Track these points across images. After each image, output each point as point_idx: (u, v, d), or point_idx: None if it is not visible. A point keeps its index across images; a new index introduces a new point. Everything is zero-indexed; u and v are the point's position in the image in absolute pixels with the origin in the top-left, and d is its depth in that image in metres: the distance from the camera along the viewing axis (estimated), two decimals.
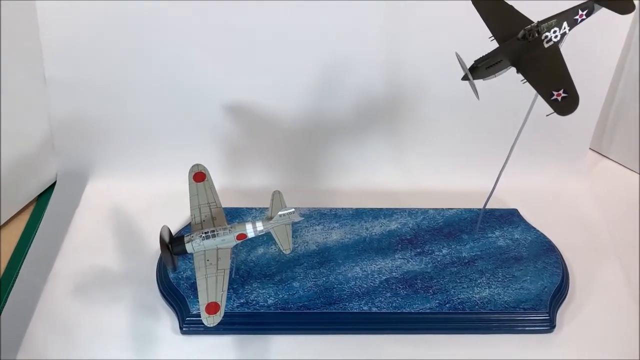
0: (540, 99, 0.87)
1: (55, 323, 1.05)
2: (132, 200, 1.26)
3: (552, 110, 0.83)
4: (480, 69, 0.86)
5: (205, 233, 0.98)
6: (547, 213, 1.26)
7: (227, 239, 0.98)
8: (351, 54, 1.20)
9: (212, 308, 0.92)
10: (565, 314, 1.08)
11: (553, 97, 0.82)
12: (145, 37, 1.17)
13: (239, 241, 0.99)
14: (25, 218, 1.24)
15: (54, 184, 1.30)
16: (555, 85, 0.83)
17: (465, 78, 0.87)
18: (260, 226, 0.99)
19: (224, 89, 1.24)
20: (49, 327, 1.04)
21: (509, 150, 1.03)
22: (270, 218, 1.00)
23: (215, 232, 0.98)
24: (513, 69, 0.89)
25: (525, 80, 0.86)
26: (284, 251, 0.98)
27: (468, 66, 0.87)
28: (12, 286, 1.11)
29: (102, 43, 1.18)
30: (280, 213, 0.98)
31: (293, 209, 0.99)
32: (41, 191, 1.29)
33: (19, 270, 1.14)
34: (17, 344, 1.02)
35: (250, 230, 0.99)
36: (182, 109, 1.26)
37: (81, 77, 1.21)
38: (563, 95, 0.82)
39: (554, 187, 1.33)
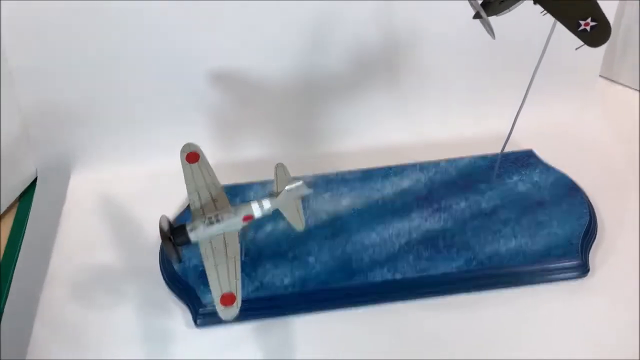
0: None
1: (60, 329, 0.98)
2: (122, 188, 1.18)
3: (581, 43, 0.75)
4: (494, 4, 0.77)
5: (209, 219, 0.90)
6: (563, 149, 1.19)
7: (232, 223, 0.90)
8: (340, 3, 1.10)
9: (227, 299, 0.85)
10: (597, 256, 1.03)
11: (581, 28, 0.74)
12: (116, 8, 1.05)
13: (245, 223, 0.91)
14: (9, 222, 1.15)
15: (35, 181, 1.21)
16: (582, 14, 0.74)
17: (477, 16, 0.78)
18: (267, 204, 0.91)
19: (207, 55, 1.13)
20: (53, 334, 0.97)
21: (527, 88, 0.95)
22: (277, 194, 0.91)
23: (219, 217, 0.90)
24: (528, 2, 0.80)
25: (545, 12, 0.77)
26: (296, 229, 0.90)
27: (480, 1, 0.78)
28: (7, 295, 1.03)
29: (69, 19, 1.06)
30: (287, 188, 0.90)
31: (301, 182, 0.91)
32: (22, 190, 1.19)
33: (12, 277, 1.05)
34: (22, 354, 0.94)
35: (257, 210, 0.91)
36: (164, 82, 1.15)
37: (49, 60, 1.10)
38: (592, 24, 0.73)
39: (566, 121, 1.25)
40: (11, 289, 1.04)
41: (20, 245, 1.10)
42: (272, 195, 0.93)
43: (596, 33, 0.74)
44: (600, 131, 1.23)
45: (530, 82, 0.93)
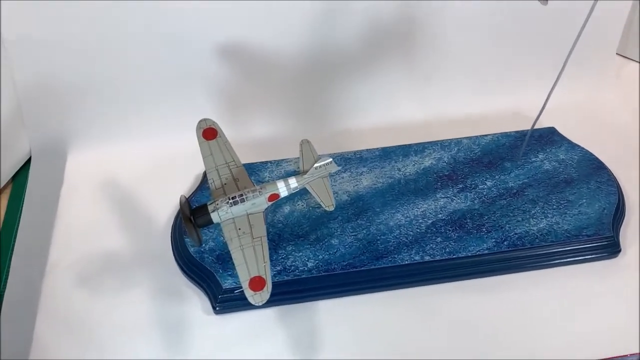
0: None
1: (65, 321, 0.91)
2: (123, 169, 1.11)
3: None
4: None
5: (232, 198, 0.84)
6: (582, 127, 1.16)
7: (257, 202, 0.84)
8: None
9: (256, 283, 0.79)
10: (627, 234, 1.00)
11: None
12: None
13: (270, 203, 0.86)
14: (2, 206, 1.06)
15: (28, 162, 1.12)
16: None
17: None
18: (294, 183, 0.86)
19: (213, 29, 1.07)
20: (59, 326, 0.90)
21: (562, 66, 0.92)
22: (304, 172, 0.86)
23: (244, 196, 0.84)
24: None
25: None
26: (326, 208, 0.85)
27: None
28: (5, 286, 0.95)
29: None
30: (316, 165, 0.85)
31: (330, 159, 0.86)
32: (15, 171, 1.11)
33: (8, 266, 0.97)
34: (26, 349, 0.87)
35: (283, 189, 0.86)
36: (167, 57, 1.09)
37: (46, 36, 1.02)
38: None
39: (584, 99, 1.23)
40: (9, 279, 0.96)
41: (16, 230, 1.02)
42: (298, 173, 0.87)
43: None
44: (616, 108, 1.21)
45: (566, 61, 0.91)
